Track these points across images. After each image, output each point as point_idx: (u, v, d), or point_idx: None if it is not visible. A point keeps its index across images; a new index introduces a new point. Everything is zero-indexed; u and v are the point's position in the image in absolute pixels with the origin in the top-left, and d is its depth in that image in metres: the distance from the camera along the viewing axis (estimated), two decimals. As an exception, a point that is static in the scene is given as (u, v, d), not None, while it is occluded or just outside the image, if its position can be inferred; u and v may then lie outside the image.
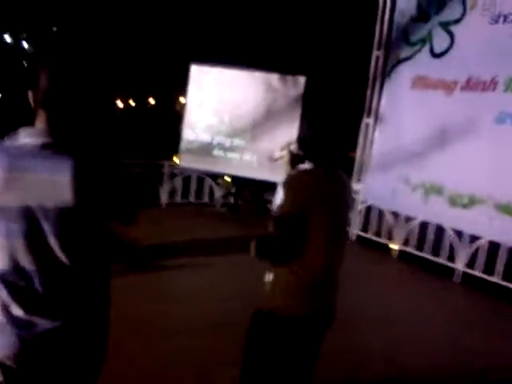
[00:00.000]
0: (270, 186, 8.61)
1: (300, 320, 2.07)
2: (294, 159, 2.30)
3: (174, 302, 4.44)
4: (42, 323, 1.55)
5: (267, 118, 8.10)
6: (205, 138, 8.38)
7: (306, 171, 2.09)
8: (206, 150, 8.36)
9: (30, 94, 1.58)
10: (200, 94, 8.28)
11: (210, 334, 3.87)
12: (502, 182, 5.50)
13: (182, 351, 3.55)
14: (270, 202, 8.83)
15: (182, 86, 8.21)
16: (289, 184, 2.03)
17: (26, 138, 1.54)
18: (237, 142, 8.29)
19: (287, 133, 7.85)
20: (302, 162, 2.16)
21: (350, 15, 7.86)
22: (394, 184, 6.73)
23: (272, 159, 2.49)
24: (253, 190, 8.71)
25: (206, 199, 8.93)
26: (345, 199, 2.17)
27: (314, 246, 2.01)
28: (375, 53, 7.27)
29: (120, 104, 26.30)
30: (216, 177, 8.87)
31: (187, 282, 5.00)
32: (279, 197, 2.09)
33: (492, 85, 5.64)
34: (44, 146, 1.52)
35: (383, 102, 7.12)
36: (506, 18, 5.51)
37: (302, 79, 7.91)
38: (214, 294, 4.69)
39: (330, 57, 8.28)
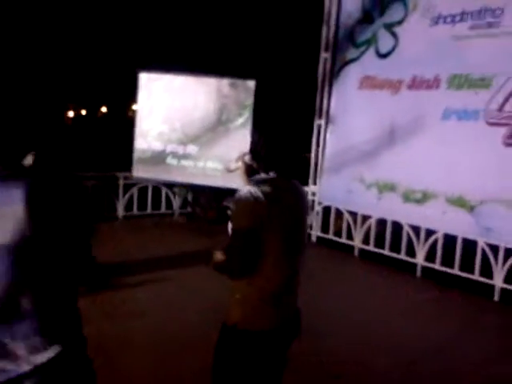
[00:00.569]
0: (228, 193, 8.59)
1: (265, 334, 2.06)
2: (249, 170, 2.29)
3: (136, 319, 4.35)
4: (11, 369, 1.42)
5: (219, 124, 8.06)
6: (157, 146, 8.20)
7: (257, 183, 2.08)
8: (159, 158, 8.20)
9: None
10: (150, 101, 8.11)
11: (175, 350, 3.81)
12: (453, 176, 5.68)
13: (146, 370, 3.48)
14: (229, 208, 8.81)
15: (133, 94, 8.08)
16: (241, 197, 2.02)
17: None
18: (190, 149, 8.20)
19: (240, 138, 7.84)
20: (258, 172, 2.16)
21: (298, 18, 7.95)
22: (349, 183, 6.84)
23: (228, 170, 2.50)
24: (210, 197, 8.65)
25: (163, 209, 8.81)
26: (299, 208, 2.18)
27: (271, 258, 2.01)
28: (323, 55, 7.37)
29: (70, 114, 25.73)
30: (172, 186, 8.76)
31: (148, 298, 4.91)
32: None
33: (435, 83, 5.82)
34: None
35: (333, 103, 7.22)
36: (445, 19, 5.70)
37: (251, 83, 7.90)
38: (175, 309, 4.63)
39: (279, 60, 8.35)
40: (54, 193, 1.43)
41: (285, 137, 2.19)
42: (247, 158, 2.27)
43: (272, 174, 2.10)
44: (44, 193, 1.41)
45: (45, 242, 1.40)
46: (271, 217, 1.98)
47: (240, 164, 2.31)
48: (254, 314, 2.04)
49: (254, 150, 2.20)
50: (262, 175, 2.12)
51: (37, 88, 1.52)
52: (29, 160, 1.53)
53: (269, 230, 1.98)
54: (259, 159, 2.16)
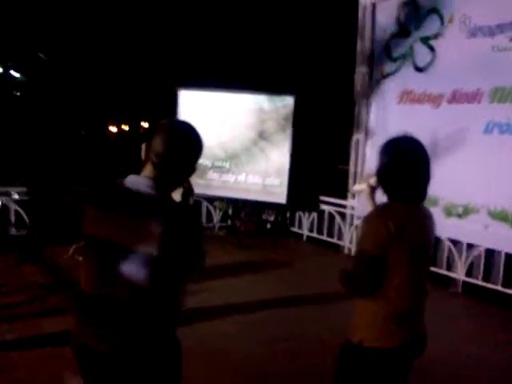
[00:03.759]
0: (268, 207, 8.68)
1: (391, 352, 2.05)
2: (374, 192, 2.29)
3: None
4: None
5: (259, 139, 8.17)
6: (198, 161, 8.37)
7: (385, 208, 2.07)
8: (200, 172, 8.37)
9: (144, 148, 1.81)
10: (191, 117, 8.28)
11: (216, 362, 3.87)
12: (495, 189, 5.57)
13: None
14: (269, 222, 8.92)
15: (173, 109, 8.33)
16: (369, 221, 2.02)
17: (132, 184, 1.76)
18: (230, 164, 8.34)
19: (280, 152, 7.94)
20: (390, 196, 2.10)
21: (334, 32, 8.01)
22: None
23: (352, 192, 2.49)
24: (250, 211, 8.74)
25: (203, 223, 8.94)
26: (426, 234, 2.13)
27: (399, 281, 2.00)
28: (359, 69, 7.37)
29: (113, 129, 26.49)
30: (213, 200, 8.90)
31: (189, 310, 4.98)
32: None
33: (477, 96, 5.74)
34: (145, 195, 1.73)
35: (371, 117, 7.21)
36: (483, 31, 5.63)
37: (290, 99, 7.99)
38: (216, 321, 4.67)
39: (316, 75, 8.42)
40: (185, 222, 1.77)
41: (408, 160, 2.08)
42: (373, 181, 2.25)
43: (397, 200, 2.05)
44: (179, 222, 1.74)
45: (171, 258, 1.74)
46: (398, 243, 1.96)
47: (365, 186, 2.31)
48: (380, 332, 2.03)
49: (381, 174, 2.12)
50: (388, 201, 2.08)
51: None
52: (177, 194, 1.95)
53: (396, 255, 1.97)
54: (384, 183, 2.11)
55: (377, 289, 2.00)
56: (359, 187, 2.36)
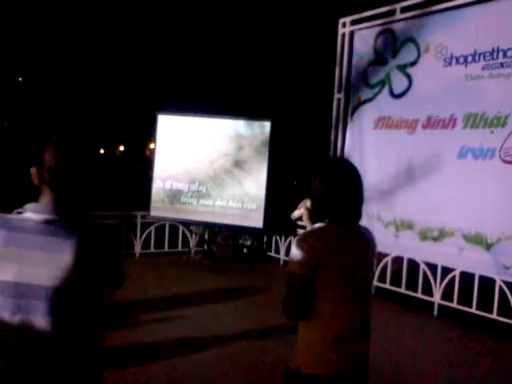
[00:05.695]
0: (244, 231, 8.64)
1: (328, 379, 1.98)
2: (313, 216, 2.26)
3: (151, 358, 4.33)
4: None
5: (237, 164, 8.18)
6: (174, 186, 8.37)
7: (314, 230, 2.06)
8: (176, 198, 8.34)
9: (34, 171, 1.62)
10: (168, 142, 8.35)
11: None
12: (469, 213, 5.68)
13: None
14: (245, 246, 8.88)
15: (150, 132, 8.32)
16: (297, 243, 1.99)
17: (31, 213, 1.57)
18: (207, 189, 8.30)
19: (257, 177, 7.96)
20: (323, 218, 2.07)
21: (312, 59, 8.16)
22: (367, 222, 6.82)
23: (292, 217, 2.48)
24: (227, 236, 8.69)
25: (180, 247, 8.86)
26: (362, 254, 2.08)
27: (331, 304, 1.97)
28: (336, 96, 7.51)
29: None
30: (189, 224, 8.82)
31: (164, 337, 4.88)
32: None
33: (451, 122, 5.89)
34: (47, 223, 1.55)
35: (347, 142, 7.31)
36: (457, 59, 5.83)
37: (267, 124, 8.05)
38: (192, 350, 4.59)
39: (294, 101, 8.54)
40: (98, 247, 1.61)
41: (341, 182, 2.05)
42: (309, 204, 2.24)
43: (328, 222, 2.03)
44: (90, 248, 1.58)
45: (84, 286, 1.57)
46: (327, 264, 1.94)
47: (303, 211, 2.32)
48: (317, 358, 1.98)
49: (314, 197, 2.11)
50: (320, 223, 2.07)
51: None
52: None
53: (325, 277, 1.94)
54: (317, 206, 2.09)
55: (309, 311, 1.97)
56: (299, 212, 2.35)
